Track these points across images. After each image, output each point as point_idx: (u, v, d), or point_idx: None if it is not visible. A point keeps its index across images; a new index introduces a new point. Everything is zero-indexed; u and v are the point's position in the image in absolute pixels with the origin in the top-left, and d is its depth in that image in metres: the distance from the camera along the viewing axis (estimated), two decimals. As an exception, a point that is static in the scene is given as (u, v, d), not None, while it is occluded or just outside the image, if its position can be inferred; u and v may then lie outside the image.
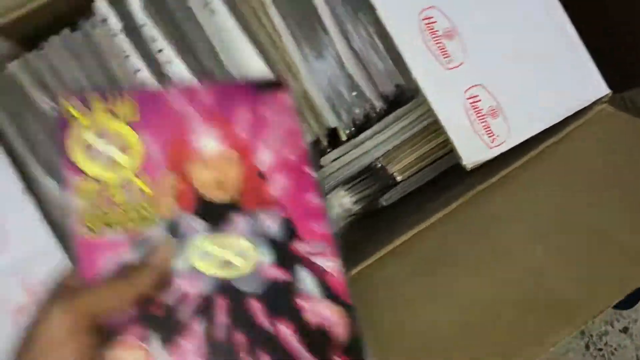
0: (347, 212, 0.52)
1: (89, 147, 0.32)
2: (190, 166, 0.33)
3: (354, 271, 0.41)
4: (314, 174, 0.35)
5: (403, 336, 0.39)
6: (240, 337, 0.32)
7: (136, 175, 0.32)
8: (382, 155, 0.48)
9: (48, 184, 0.40)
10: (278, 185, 0.34)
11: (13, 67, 0.41)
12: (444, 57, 0.42)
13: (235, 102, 0.34)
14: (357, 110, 0.45)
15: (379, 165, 0.48)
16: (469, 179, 0.44)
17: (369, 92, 0.44)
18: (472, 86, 0.42)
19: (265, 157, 0.34)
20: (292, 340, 0.33)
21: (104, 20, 0.40)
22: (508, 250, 0.39)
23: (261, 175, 0.34)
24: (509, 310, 0.37)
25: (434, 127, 0.48)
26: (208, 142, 0.33)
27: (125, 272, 0.31)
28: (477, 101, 0.42)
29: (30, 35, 0.41)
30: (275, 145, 0.34)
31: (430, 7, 0.42)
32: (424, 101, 0.47)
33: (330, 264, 0.33)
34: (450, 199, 0.43)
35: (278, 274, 0.33)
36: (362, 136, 0.47)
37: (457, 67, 0.42)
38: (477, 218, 0.41)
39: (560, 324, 0.38)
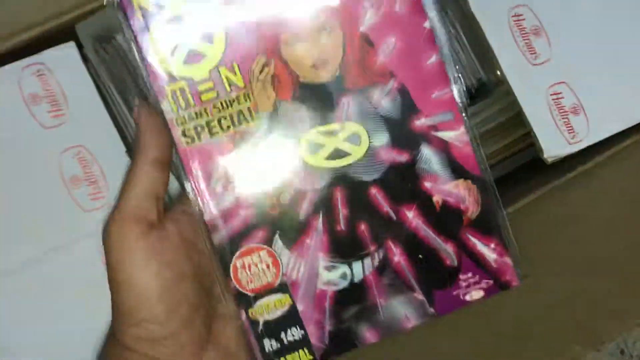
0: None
1: (167, 41, 0.28)
2: (284, 47, 0.29)
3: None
4: (428, 25, 0.29)
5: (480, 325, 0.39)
6: (363, 227, 0.30)
7: (224, 65, 0.29)
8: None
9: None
10: (388, 50, 0.29)
11: (120, 38, 0.43)
12: (531, 53, 0.43)
13: None
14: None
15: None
16: (543, 175, 0.45)
17: (454, 84, 0.46)
18: (556, 83, 0.43)
19: (370, 16, 0.29)
20: (418, 224, 0.30)
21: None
22: (587, 243, 0.40)
23: (368, 42, 0.29)
24: (586, 299, 0.38)
25: (509, 124, 0.49)
26: (301, 12, 0.28)
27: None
28: (560, 98, 0.43)
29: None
30: None
31: (520, 5, 0.43)
32: (502, 97, 0.48)
33: (456, 134, 0.30)
34: (526, 192, 0.44)
35: (397, 155, 0.30)
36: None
37: (543, 63, 0.43)
38: (554, 211, 0.42)
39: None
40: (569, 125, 0.43)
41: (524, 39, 0.43)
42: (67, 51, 0.41)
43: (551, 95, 0.43)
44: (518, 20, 0.43)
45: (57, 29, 0.40)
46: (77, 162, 0.40)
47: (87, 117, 0.41)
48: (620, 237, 0.40)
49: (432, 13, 0.29)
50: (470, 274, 0.32)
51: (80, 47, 0.42)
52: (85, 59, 0.42)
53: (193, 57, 0.29)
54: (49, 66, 0.40)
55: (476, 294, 0.33)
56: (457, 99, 0.30)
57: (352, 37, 0.29)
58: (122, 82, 0.42)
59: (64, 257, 0.39)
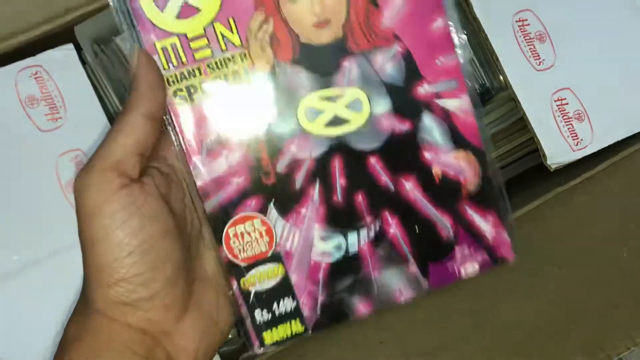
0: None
1: None
2: (284, 4, 0.27)
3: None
4: None
5: (484, 331, 0.39)
6: (360, 198, 0.29)
7: (218, 21, 0.27)
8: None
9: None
10: (393, 11, 0.28)
11: (119, 40, 0.43)
12: (535, 59, 0.43)
13: None
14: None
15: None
16: (547, 182, 0.45)
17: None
18: (560, 89, 0.43)
19: None
20: (417, 196, 0.30)
21: None
22: (593, 250, 0.39)
23: (374, 2, 0.28)
24: (594, 306, 0.37)
25: (512, 130, 0.49)
26: None
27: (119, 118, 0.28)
28: (564, 104, 0.43)
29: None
30: None
31: (525, 10, 0.43)
32: (504, 103, 0.48)
33: (459, 103, 0.29)
34: (529, 199, 0.43)
35: (398, 124, 0.29)
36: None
37: (547, 69, 0.43)
38: (559, 218, 0.41)
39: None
40: (573, 132, 0.43)
41: (529, 45, 0.43)
42: (66, 53, 0.40)
43: (555, 101, 0.43)
44: (523, 25, 0.43)
45: (55, 31, 0.40)
46: (74, 165, 0.39)
47: (85, 120, 0.40)
48: (624, 244, 0.40)
49: None
50: (466, 247, 0.31)
51: (78, 49, 0.41)
52: (83, 61, 0.41)
53: (187, 10, 0.27)
54: (47, 68, 0.40)
55: (471, 268, 0.32)
56: (462, 65, 0.29)
57: None
58: (121, 85, 0.42)
59: (61, 261, 0.38)
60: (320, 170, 0.29)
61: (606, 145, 0.44)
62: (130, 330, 0.28)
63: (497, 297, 0.40)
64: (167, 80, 0.28)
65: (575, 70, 0.43)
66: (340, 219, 0.30)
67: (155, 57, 0.28)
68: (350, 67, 0.28)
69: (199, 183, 0.30)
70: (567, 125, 0.43)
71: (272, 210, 0.29)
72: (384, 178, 0.29)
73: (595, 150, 0.43)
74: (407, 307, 0.33)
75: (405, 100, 0.29)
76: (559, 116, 0.43)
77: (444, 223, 0.31)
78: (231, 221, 0.29)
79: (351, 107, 0.29)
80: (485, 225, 0.31)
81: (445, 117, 0.29)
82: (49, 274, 0.38)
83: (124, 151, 0.27)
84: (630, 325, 0.37)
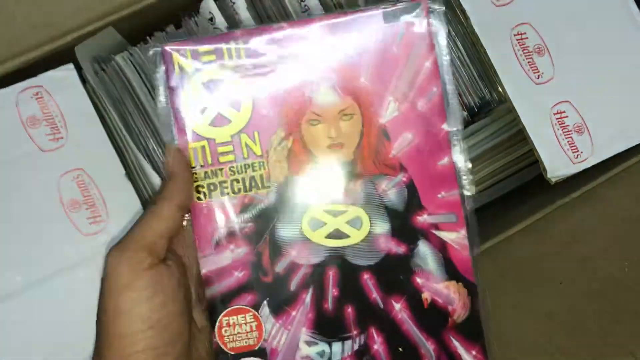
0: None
1: (198, 102, 0.30)
2: (305, 125, 0.30)
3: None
4: (446, 128, 0.30)
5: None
6: (349, 310, 0.31)
7: (245, 132, 0.30)
8: (458, 167, 0.49)
9: (145, 168, 0.42)
10: (403, 144, 0.30)
11: (119, 58, 0.43)
12: (534, 72, 0.43)
13: (359, 37, 0.29)
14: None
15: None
16: (547, 194, 0.45)
17: (456, 103, 0.45)
18: (560, 102, 0.43)
19: (392, 110, 0.30)
20: (404, 317, 0.31)
21: (211, 19, 0.42)
22: (593, 264, 0.39)
23: (386, 135, 0.30)
24: (594, 321, 0.37)
25: (512, 142, 0.49)
26: (325, 91, 0.29)
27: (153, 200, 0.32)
28: (563, 117, 0.43)
29: (138, 30, 0.43)
30: (405, 90, 0.29)
31: (523, 23, 0.43)
32: (503, 115, 0.48)
33: (457, 236, 0.30)
34: (530, 212, 0.43)
35: (394, 246, 0.31)
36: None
37: (546, 82, 0.43)
38: (559, 231, 0.41)
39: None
40: (572, 145, 0.43)
41: (527, 58, 0.43)
42: (66, 73, 0.41)
43: (555, 114, 0.43)
44: (521, 39, 0.43)
45: (55, 51, 0.40)
46: (75, 185, 0.40)
47: (86, 140, 0.40)
48: (625, 258, 0.40)
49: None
50: None
51: (79, 69, 0.41)
52: (84, 80, 0.41)
53: (220, 120, 0.30)
54: (48, 89, 0.40)
55: None
56: (463, 203, 0.31)
57: (371, 126, 0.30)
58: (122, 104, 0.42)
59: (63, 280, 0.38)
60: (316, 277, 0.31)
61: (606, 157, 0.43)
62: None
63: (496, 311, 0.40)
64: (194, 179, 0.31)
65: (574, 83, 0.43)
66: (327, 327, 0.31)
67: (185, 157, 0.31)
68: (356, 187, 0.30)
69: (203, 271, 0.32)
70: (566, 138, 0.43)
71: (265, 308, 0.31)
72: (375, 295, 0.31)
73: (595, 162, 0.43)
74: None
75: (403, 225, 0.31)
76: (558, 129, 0.43)
77: (427, 348, 0.31)
78: (226, 311, 0.31)
79: (351, 224, 0.31)
80: (468, 357, 0.32)
81: (441, 247, 0.31)
82: (52, 293, 0.38)
83: (157, 235, 0.31)
84: (630, 340, 0.37)
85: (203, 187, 0.31)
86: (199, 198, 0.31)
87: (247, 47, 0.30)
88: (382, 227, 0.31)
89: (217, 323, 0.32)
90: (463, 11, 0.42)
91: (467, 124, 0.49)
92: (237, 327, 0.31)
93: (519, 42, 0.43)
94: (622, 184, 0.43)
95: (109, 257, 0.31)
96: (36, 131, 0.40)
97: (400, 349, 0.31)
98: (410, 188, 0.30)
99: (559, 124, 0.43)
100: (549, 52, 0.43)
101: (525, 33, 0.43)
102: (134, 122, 0.42)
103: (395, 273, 0.31)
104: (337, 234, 0.31)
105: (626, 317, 0.38)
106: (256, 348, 0.32)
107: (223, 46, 0.30)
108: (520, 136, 0.46)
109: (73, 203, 0.39)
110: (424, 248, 0.31)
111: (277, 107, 0.30)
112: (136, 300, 0.30)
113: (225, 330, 0.32)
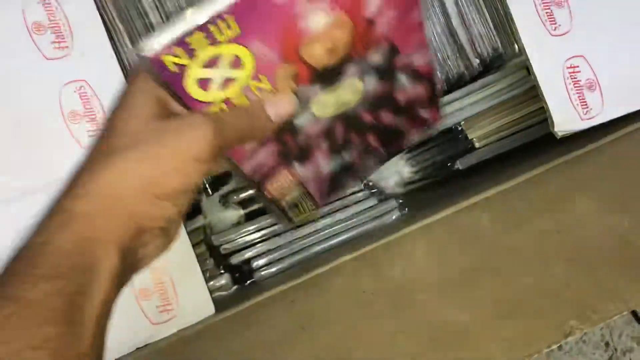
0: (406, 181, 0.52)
1: (202, 82, 0.30)
2: (303, 49, 0.31)
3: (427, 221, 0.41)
4: None
5: (474, 288, 0.39)
6: (353, 136, 0.37)
7: (253, 79, 0.31)
8: (465, 120, 0.48)
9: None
10: (386, 20, 0.32)
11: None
12: (551, 23, 0.42)
13: None
14: (452, 69, 0.45)
15: (460, 128, 0.49)
16: (553, 150, 0.44)
17: (469, 50, 0.45)
18: (574, 56, 0.42)
19: (374, 2, 0.31)
20: (391, 118, 0.37)
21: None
22: (593, 217, 0.39)
23: (371, 22, 0.32)
24: (589, 271, 0.37)
25: (522, 98, 0.48)
26: (316, 19, 0.31)
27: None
28: (576, 72, 0.42)
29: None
30: None
31: (544, -27, 0.42)
32: (517, 70, 0.47)
33: (423, 59, 0.35)
34: (534, 165, 0.43)
35: (381, 86, 0.35)
36: (447, 97, 0.48)
37: (563, 35, 0.42)
38: (561, 185, 0.41)
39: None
40: (583, 100, 0.42)
41: (545, 8, 0.42)
42: (76, -18, 0.40)
43: (568, 68, 0.42)
44: (541, -12, 0.42)
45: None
46: (77, 96, 0.39)
47: (92, 52, 0.40)
48: (626, 212, 0.39)
49: None
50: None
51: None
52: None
53: (226, 82, 0.30)
54: (57, -4, 0.39)
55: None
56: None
57: (358, 22, 0.32)
58: (128, 16, 0.41)
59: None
60: (327, 133, 0.36)
61: (615, 117, 0.43)
62: None
63: (498, 258, 0.40)
64: None
65: (590, 39, 0.43)
66: (341, 150, 0.38)
67: None
68: (352, 68, 0.33)
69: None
70: (577, 93, 0.42)
71: (296, 166, 0.36)
72: (369, 118, 0.37)
73: (604, 121, 0.43)
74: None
75: (387, 70, 0.35)
76: (570, 83, 0.42)
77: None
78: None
79: (351, 91, 0.35)
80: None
81: (413, 70, 0.36)
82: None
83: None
84: (626, 291, 0.37)
85: None
86: None
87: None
88: (373, 81, 0.35)
89: None
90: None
91: (477, 76, 0.48)
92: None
93: (538, -8, 0.42)
94: (629, 144, 0.42)
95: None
96: (41, 38, 0.39)
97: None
98: (393, 46, 0.34)
99: (571, 79, 0.42)
100: (569, 4, 0.42)
101: (545, -18, 0.42)
102: (141, 40, 0.42)
103: (382, 99, 0.36)
104: (341, 104, 0.35)
105: (627, 267, 0.37)
106: None
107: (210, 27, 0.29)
108: (532, 92, 0.45)
109: (74, 114, 0.39)
110: (402, 77, 0.36)
111: (275, 47, 0.31)
112: None
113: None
